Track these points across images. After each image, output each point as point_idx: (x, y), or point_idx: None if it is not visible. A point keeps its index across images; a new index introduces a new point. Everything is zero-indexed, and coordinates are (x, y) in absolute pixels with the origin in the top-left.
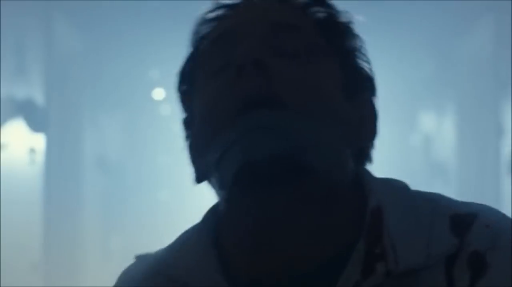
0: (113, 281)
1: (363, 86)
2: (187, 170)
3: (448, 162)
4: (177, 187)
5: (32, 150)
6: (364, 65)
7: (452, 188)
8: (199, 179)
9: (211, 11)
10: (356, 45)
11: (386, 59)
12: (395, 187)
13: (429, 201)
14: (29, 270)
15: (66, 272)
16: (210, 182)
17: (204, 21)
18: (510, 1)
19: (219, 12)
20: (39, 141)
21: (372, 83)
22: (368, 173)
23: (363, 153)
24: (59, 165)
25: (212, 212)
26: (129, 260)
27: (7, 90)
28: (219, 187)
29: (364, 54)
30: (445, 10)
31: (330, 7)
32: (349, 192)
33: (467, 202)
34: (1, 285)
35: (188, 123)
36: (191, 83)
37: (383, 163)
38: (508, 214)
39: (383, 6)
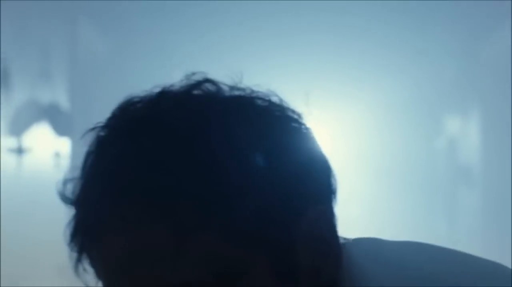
0: None
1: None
2: None
3: (473, 165)
4: None
5: (57, 154)
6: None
7: (477, 191)
8: None
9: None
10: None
11: (411, 62)
12: None
13: None
14: (55, 273)
15: (91, 275)
16: None
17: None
18: None
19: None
20: (63, 145)
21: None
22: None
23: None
24: None
25: None
26: None
27: (31, 94)
28: None
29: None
30: (470, 13)
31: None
32: None
33: (470, 268)
34: None
35: None
36: None
37: (408, 166)
38: None
39: (407, 7)
